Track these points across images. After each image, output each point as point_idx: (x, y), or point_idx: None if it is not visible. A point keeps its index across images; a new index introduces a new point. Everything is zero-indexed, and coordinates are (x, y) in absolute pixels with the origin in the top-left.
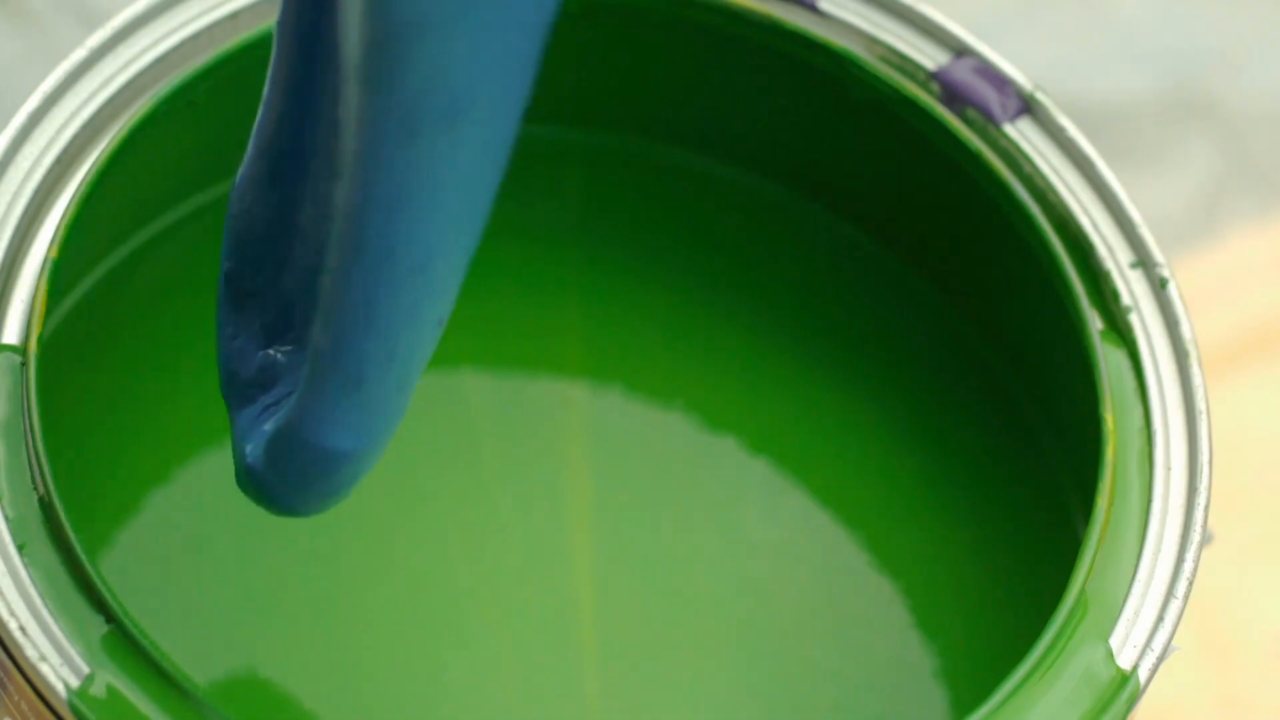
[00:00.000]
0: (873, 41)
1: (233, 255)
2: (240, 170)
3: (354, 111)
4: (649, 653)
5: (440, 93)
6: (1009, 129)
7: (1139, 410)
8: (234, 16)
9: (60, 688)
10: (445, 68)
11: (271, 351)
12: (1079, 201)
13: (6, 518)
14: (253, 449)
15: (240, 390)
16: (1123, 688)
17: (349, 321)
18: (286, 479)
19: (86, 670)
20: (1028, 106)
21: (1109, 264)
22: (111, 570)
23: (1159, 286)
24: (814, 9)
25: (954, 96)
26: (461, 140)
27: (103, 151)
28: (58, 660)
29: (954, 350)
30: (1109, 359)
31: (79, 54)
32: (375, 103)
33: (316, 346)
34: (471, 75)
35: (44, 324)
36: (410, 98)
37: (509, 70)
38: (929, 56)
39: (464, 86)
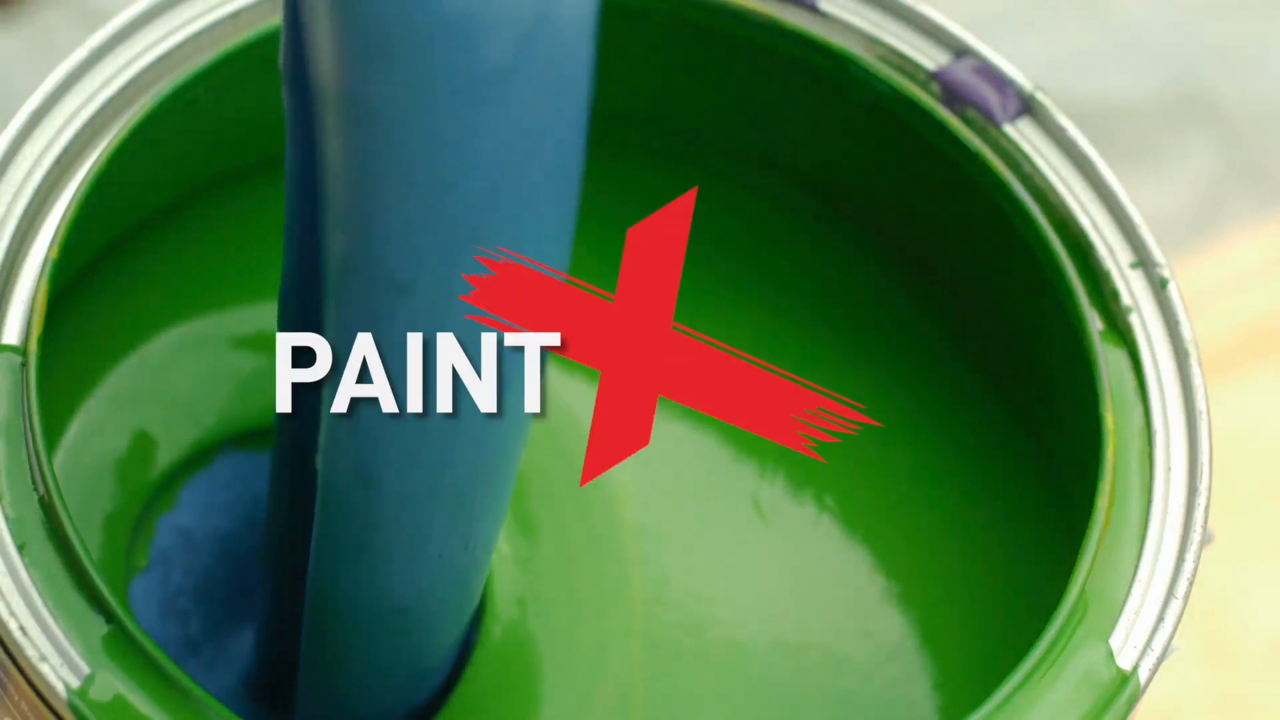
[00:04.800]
0: (873, 41)
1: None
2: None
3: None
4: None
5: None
6: (1009, 129)
7: (1139, 410)
8: (234, 16)
9: (60, 688)
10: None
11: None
12: (1079, 201)
13: (6, 518)
14: None
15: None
16: (1123, 688)
17: None
18: None
19: (86, 670)
20: (1028, 106)
21: (1109, 264)
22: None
23: (1159, 286)
24: (814, 9)
25: (954, 96)
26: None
27: (103, 151)
28: (58, 660)
29: (954, 349)
30: (1109, 359)
31: (79, 54)
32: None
33: None
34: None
35: (44, 324)
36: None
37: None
38: (929, 56)
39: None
